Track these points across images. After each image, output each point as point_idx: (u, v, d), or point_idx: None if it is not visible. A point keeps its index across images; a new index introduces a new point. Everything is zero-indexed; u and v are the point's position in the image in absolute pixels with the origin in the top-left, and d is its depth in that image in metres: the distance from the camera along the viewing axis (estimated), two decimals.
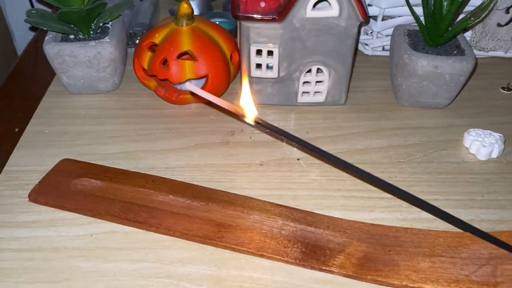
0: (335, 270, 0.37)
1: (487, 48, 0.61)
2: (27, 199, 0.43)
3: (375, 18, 0.59)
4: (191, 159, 0.48)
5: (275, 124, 0.34)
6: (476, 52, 0.58)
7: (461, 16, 0.53)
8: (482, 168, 0.47)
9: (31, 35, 0.75)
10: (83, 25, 0.53)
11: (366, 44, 0.64)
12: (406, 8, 0.52)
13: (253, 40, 0.49)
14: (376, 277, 0.36)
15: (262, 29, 0.48)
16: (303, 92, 0.54)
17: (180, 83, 0.52)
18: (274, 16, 0.47)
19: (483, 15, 0.49)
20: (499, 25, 0.59)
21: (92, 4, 0.52)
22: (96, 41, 0.52)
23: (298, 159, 0.48)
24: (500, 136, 0.49)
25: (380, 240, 0.39)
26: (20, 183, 0.45)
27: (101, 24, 0.55)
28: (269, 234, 0.39)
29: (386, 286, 0.36)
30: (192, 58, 0.51)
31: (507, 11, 0.57)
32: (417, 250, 0.38)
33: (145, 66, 0.52)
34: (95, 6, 0.51)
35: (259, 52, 0.50)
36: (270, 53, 0.50)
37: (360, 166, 0.35)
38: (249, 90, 0.35)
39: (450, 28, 0.51)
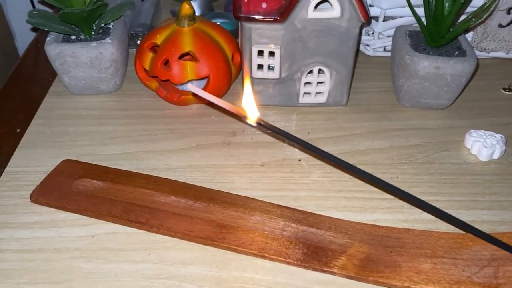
0: (337, 271, 0.37)
1: (488, 49, 0.61)
2: (29, 199, 0.43)
3: (376, 19, 0.59)
4: (192, 160, 0.48)
5: (277, 125, 0.34)
6: (477, 53, 0.58)
7: (462, 17, 0.53)
8: (484, 169, 0.47)
9: (32, 35, 0.75)
10: (84, 26, 0.53)
11: (368, 45, 0.64)
12: (408, 9, 0.52)
13: (254, 41, 0.49)
14: (377, 278, 0.36)
15: (263, 30, 0.48)
16: (305, 93, 0.54)
17: (181, 84, 0.52)
18: (276, 17, 0.47)
19: (484, 16, 0.49)
20: (500, 26, 0.59)
21: (93, 5, 0.52)
22: (98, 41, 0.52)
23: (299, 160, 0.48)
24: (501, 137, 0.49)
25: (382, 241, 0.39)
26: (22, 183, 0.45)
27: (102, 25, 0.55)
28: (271, 235, 0.39)
29: (388, 287, 0.36)
30: (194, 59, 0.51)
31: (508, 12, 0.57)
32: (418, 251, 0.38)
33: (147, 67, 0.52)
34: (96, 7, 0.51)
35: (260, 53, 0.50)
36: (271, 54, 0.50)
37: (361, 167, 0.35)
38: (251, 91, 0.35)
39: (451, 29, 0.51)
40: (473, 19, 0.49)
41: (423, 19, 0.52)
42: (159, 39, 0.52)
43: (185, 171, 0.47)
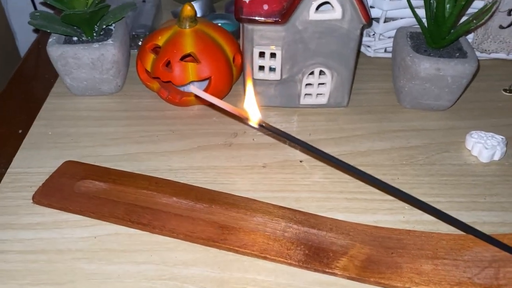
0: (338, 273, 0.37)
1: (489, 50, 0.61)
2: (31, 201, 0.43)
3: (377, 20, 0.60)
4: (194, 161, 0.48)
5: (278, 126, 0.34)
6: (478, 54, 0.58)
7: (463, 19, 0.53)
8: (484, 170, 0.47)
9: (33, 36, 0.75)
10: (86, 27, 0.53)
11: (368, 46, 0.64)
12: (408, 10, 0.53)
13: (256, 42, 0.49)
14: (379, 280, 0.36)
15: (265, 32, 0.48)
16: (306, 94, 0.54)
17: (183, 85, 0.52)
18: (277, 19, 0.47)
19: (485, 18, 0.49)
20: (501, 27, 0.59)
21: (95, 6, 0.52)
22: (100, 43, 0.53)
23: (300, 161, 0.48)
24: (502, 138, 0.49)
25: (383, 242, 0.39)
26: (24, 185, 0.45)
27: (104, 26, 0.55)
28: (272, 236, 0.39)
29: None
30: (195, 60, 0.51)
31: (509, 13, 0.57)
32: (419, 253, 0.38)
33: (148, 68, 0.52)
34: (98, 8, 0.51)
35: (262, 54, 0.50)
36: (272, 55, 0.50)
37: (362, 168, 0.35)
38: (253, 93, 0.35)
39: (452, 31, 0.51)
40: (474, 21, 0.49)
41: (424, 20, 0.52)
42: (160, 40, 0.52)
43: (187, 172, 0.47)
